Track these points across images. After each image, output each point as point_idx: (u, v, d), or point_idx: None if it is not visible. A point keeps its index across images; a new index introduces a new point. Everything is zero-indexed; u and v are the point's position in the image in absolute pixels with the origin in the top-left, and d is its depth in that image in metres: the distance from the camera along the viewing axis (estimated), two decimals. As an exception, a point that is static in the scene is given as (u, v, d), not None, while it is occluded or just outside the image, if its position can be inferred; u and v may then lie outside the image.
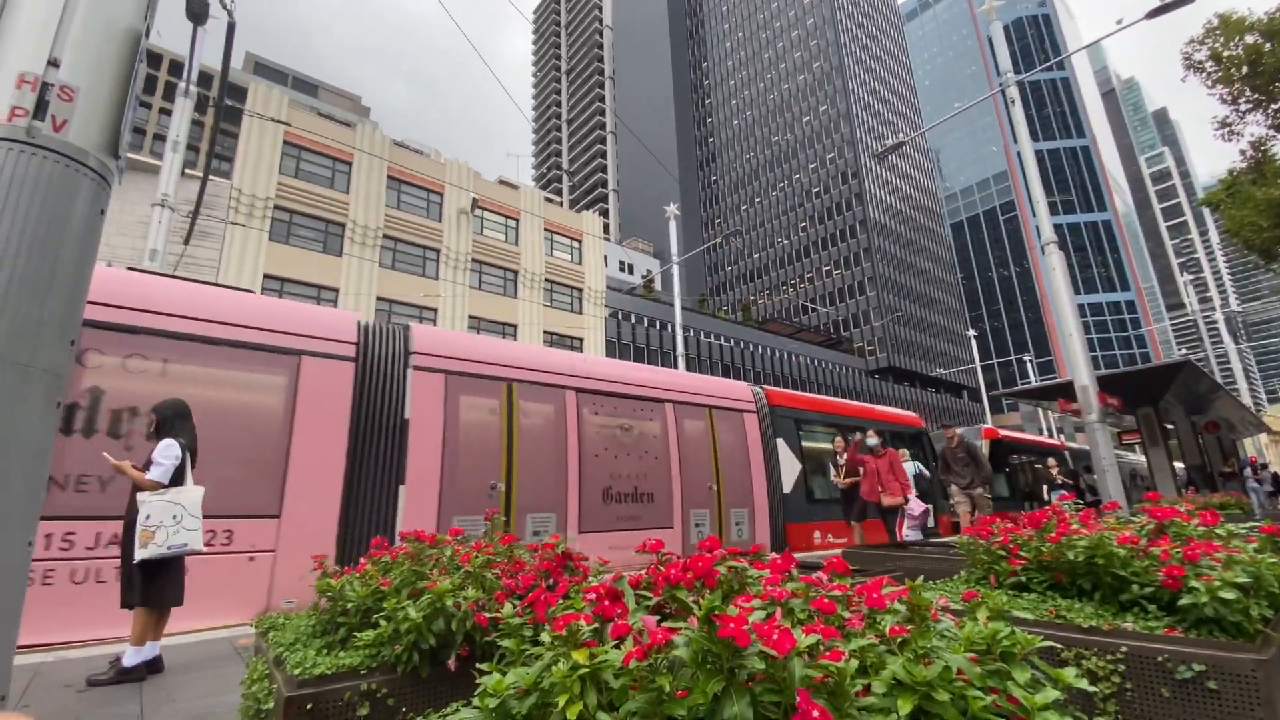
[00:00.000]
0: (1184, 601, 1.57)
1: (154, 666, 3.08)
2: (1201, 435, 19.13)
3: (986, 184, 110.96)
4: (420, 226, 26.64)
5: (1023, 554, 2.07)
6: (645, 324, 39.42)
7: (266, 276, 22.06)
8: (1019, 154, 13.60)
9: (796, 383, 47.50)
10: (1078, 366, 11.91)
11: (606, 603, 0.99)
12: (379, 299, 24.65)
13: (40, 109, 2.20)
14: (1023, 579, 2.05)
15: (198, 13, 11.00)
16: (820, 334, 56.77)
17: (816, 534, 10.84)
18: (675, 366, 19.65)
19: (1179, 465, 17.69)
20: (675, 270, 21.39)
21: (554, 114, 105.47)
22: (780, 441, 10.35)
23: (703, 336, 43.24)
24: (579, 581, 1.92)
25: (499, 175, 36.37)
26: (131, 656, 2.99)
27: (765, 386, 11.18)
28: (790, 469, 10.26)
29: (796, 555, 5.16)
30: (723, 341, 44.39)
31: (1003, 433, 17.49)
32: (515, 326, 28.59)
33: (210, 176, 19.94)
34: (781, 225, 73.70)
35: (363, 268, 24.45)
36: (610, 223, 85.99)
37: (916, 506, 6.97)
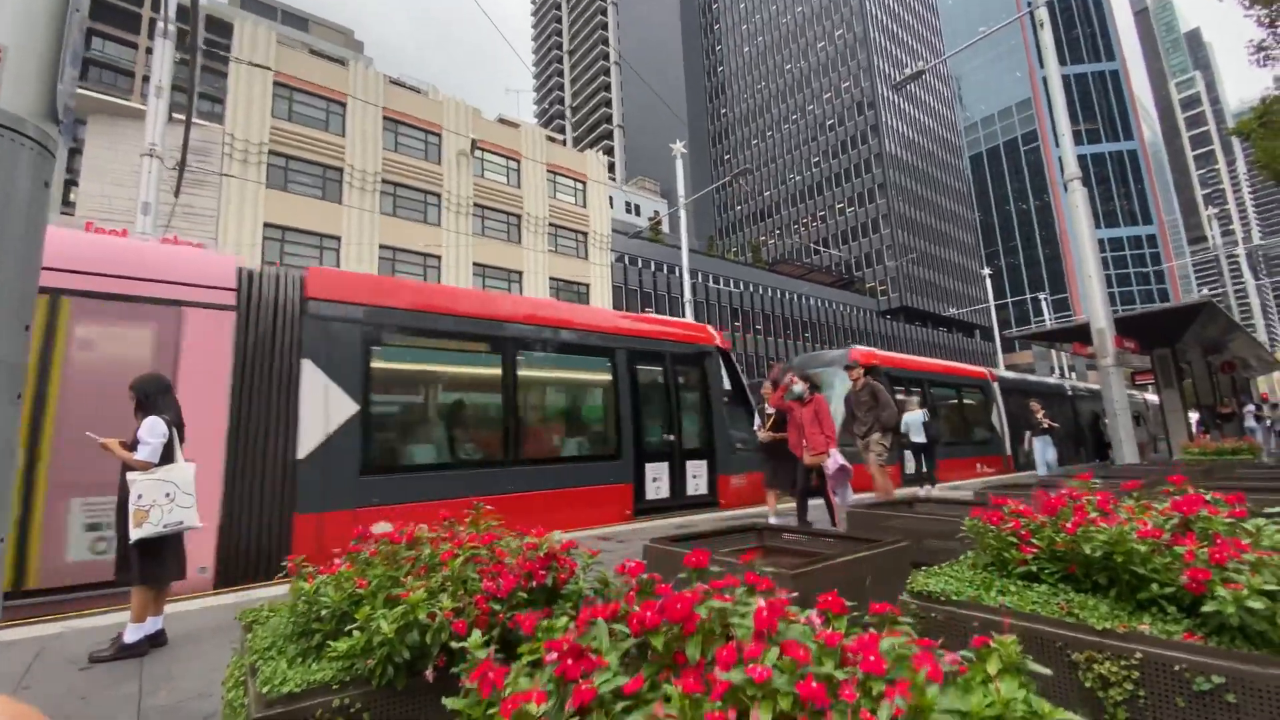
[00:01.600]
0: (1207, 608, 1.46)
1: (156, 640, 3.13)
2: (1216, 375, 18.81)
3: (1009, 112, 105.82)
4: (419, 170, 25.93)
5: (1035, 541, 1.96)
6: (653, 268, 38.85)
7: (267, 225, 21.73)
8: (1044, 80, 12.79)
9: (807, 325, 47.08)
10: (1095, 309, 11.59)
11: (570, 662, 0.89)
12: (382, 247, 24.31)
13: None
14: (1033, 568, 1.95)
15: (168, -57, 10.32)
16: (832, 274, 55.79)
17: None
18: (683, 312, 19.35)
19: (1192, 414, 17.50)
20: (682, 213, 20.79)
21: (554, 44, 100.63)
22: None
23: (711, 281, 42.62)
24: (565, 582, 1.83)
25: (499, 114, 35.03)
26: (132, 633, 3.02)
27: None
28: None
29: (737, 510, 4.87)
30: (731, 287, 43.77)
31: (887, 356, 14.35)
32: (520, 274, 28.23)
33: (202, 121, 19.32)
34: (793, 161, 71.18)
35: (363, 215, 23.99)
36: (616, 161, 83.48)
37: (832, 463, 6.14)
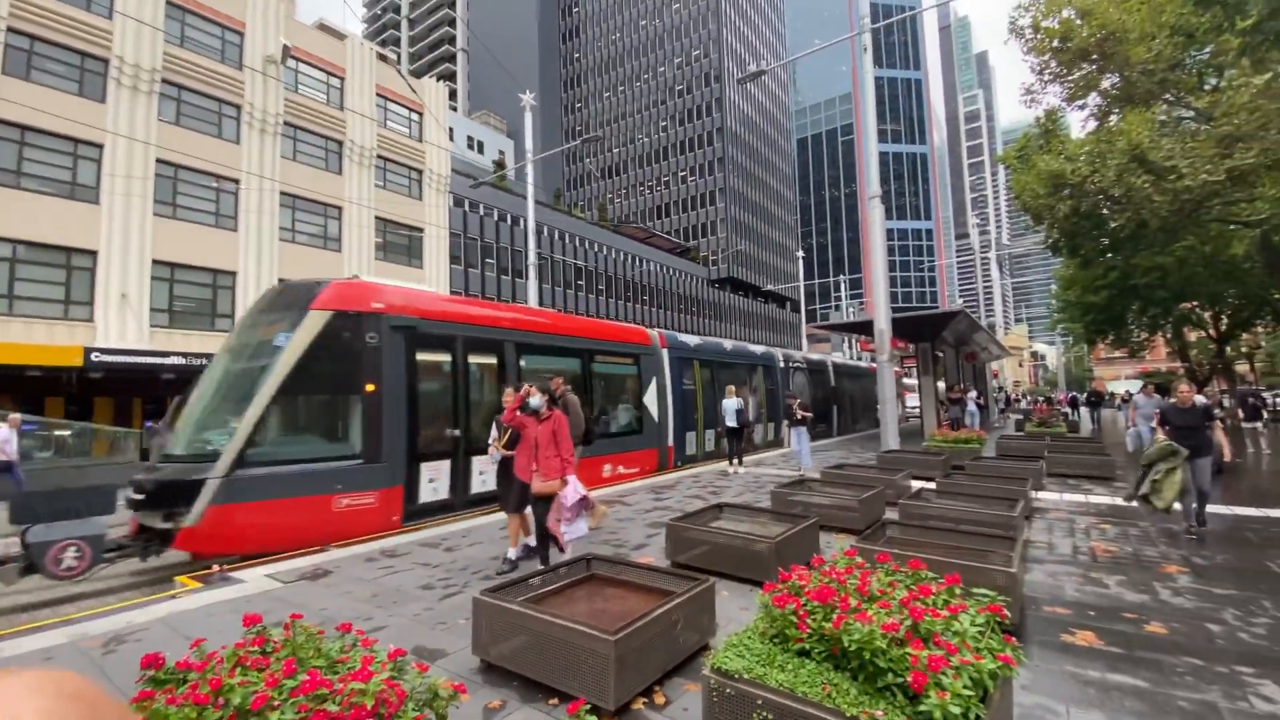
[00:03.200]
0: (923, 707, 1.96)
1: None
2: (962, 363, 23.40)
3: (833, 103, 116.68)
4: (213, 73, 21.63)
5: (809, 623, 2.41)
6: (496, 217, 37.08)
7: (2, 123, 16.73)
8: (862, 92, 14.37)
9: (646, 290, 48.71)
10: (879, 311, 13.65)
11: None
12: (160, 162, 20.10)
13: None
14: (806, 646, 2.40)
15: None
16: (671, 241, 57.98)
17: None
18: (524, 271, 18.85)
19: (941, 385, 21.47)
20: (529, 169, 20.06)
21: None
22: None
23: (556, 235, 41.96)
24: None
25: (319, 19, 30.18)
26: None
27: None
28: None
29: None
30: (576, 243, 43.52)
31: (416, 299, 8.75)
32: (339, 208, 25.26)
33: None
34: (642, 121, 71.59)
35: (134, 120, 19.54)
36: (458, 89, 76.98)
37: (571, 492, 5.28)
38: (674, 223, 67.73)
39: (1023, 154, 21.53)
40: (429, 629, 4.34)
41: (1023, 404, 42.65)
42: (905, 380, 29.21)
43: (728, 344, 17.08)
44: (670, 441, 13.27)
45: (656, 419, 12.87)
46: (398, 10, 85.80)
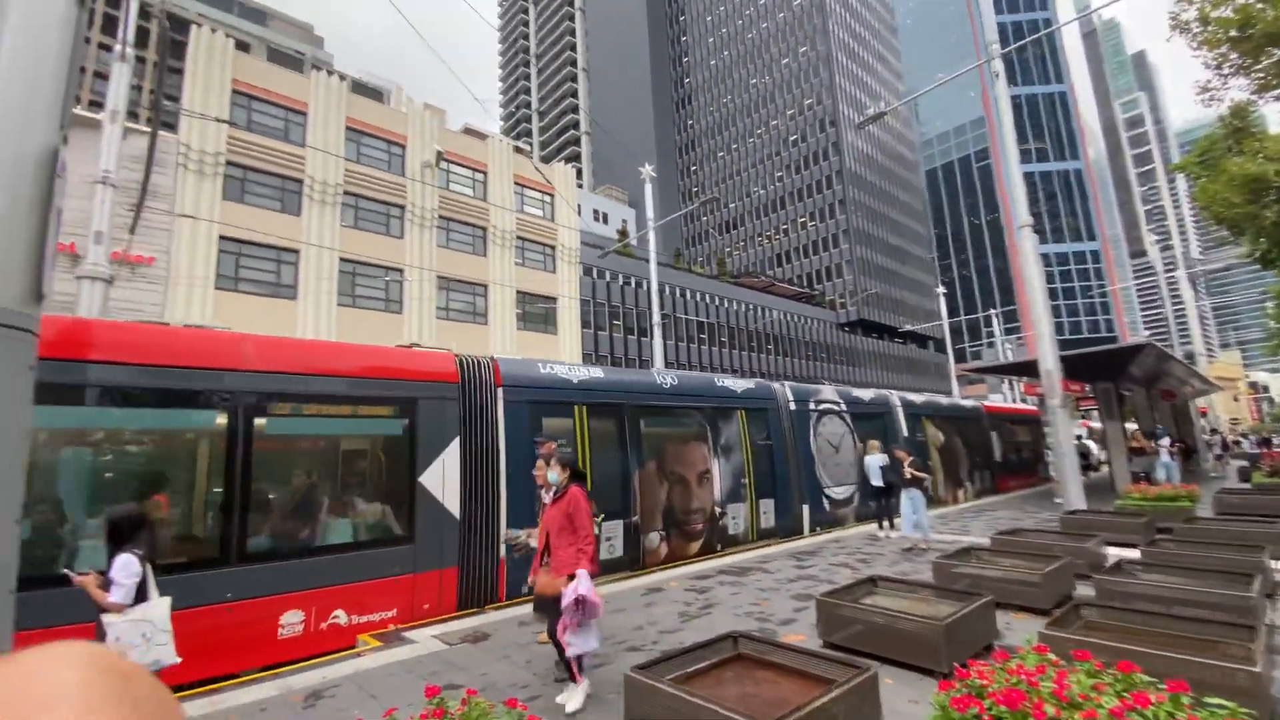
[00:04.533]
0: None
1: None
2: (1157, 404, 20.01)
3: (963, 129, 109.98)
4: (383, 182, 25.43)
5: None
6: (620, 281, 38.94)
7: (222, 239, 20.97)
8: (997, 111, 13.43)
9: (770, 338, 47.94)
10: (1044, 351, 12.21)
11: None
12: (343, 260, 23.74)
13: None
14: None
15: (124, -31, 9.92)
16: (793, 288, 56.93)
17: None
18: (649, 330, 19.41)
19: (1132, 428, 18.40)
20: (651, 236, 20.96)
21: (521, 49, 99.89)
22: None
23: (679, 293, 42.99)
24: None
25: (465, 123, 34.60)
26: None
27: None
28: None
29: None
30: (698, 299, 44.23)
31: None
32: (485, 286, 27.95)
33: (145, 129, 18.45)
34: (758, 174, 72.41)
35: (323, 227, 23.39)
36: (583, 167, 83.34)
37: (571, 591, 4.19)
38: (796, 269, 66.60)
39: (1206, 159, 18.59)
40: (580, 697, 4.40)
41: (1244, 446, 35.03)
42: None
43: (827, 389, 13.91)
44: (804, 503, 12.01)
45: (789, 479, 11.82)
46: (529, 106, 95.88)
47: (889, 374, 58.22)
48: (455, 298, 27.08)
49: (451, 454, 7.16)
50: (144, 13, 30.18)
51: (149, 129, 8.78)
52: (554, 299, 30.76)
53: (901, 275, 68.99)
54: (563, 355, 29.63)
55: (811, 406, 12.96)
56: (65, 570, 3.17)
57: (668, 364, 35.30)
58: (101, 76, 41.56)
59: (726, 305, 45.99)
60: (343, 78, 27.12)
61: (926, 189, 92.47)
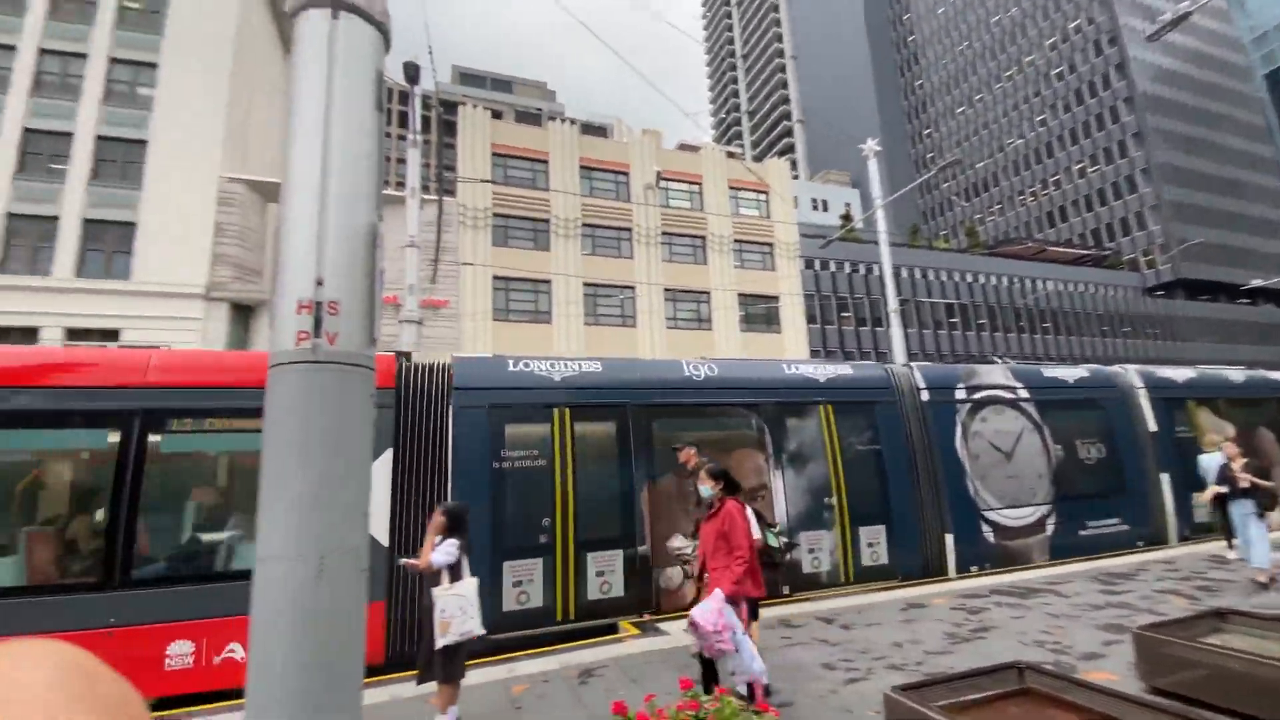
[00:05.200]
0: None
1: (455, 725, 3.79)
2: None
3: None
4: (612, 209, 27.84)
5: None
6: (849, 270, 36.61)
7: (495, 278, 25.09)
8: None
9: (1045, 315, 40.34)
10: None
11: None
12: (585, 284, 26.56)
13: (317, 327, 2.54)
14: None
15: (412, 77, 12.53)
16: (1074, 249, 47.06)
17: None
18: (884, 319, 17.65)
19: None
20: (880, 217, 19.29)
21: (727, 52, 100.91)
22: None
23: (918, 274, 38.81)
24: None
25: (679, 140, 36.14)
26: (440, 724, 3.70)
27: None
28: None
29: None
30: (943, 278, 39.34)
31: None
32: (708, 293, 28.67)
33: (431, 197, 23.06)
34: (1012, 123, 61.83)
35: (568, 257, 26.47)
36: (799, 158, 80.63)
37: (704, 618, 3.75)
38: (1075, 228, 55.07)
39: None
40: (834, 712, 4.18)
41: None
42: None
43: (993, 368, 10.29)
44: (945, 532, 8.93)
45: (915, 497, 8.93)
46: (738, 109, 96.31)
47: (1228, 346, 44.50)
48: (681, 307, 28.31)
49: (381, 471, 6.22)
50: (425, 104, 37.72)
51: (436, 198, 10.79)
52: (775, 298, 30.21)
53: (1243, 216, 52.46)
54: (787, 353, 28.90)
55: (959, 394, 9.47)
56: (401, 560, 4.09)
57: (910, 355, 31.95)
58: (398, 160, 53.13)
59: (981, 281, 40.05)
60: (573, 123, 30.48)
61: (1269, 96, 68.89)
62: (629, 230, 28.05)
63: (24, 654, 0.36)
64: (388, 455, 6.34)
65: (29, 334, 18.95)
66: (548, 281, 26.03)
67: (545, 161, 27.26)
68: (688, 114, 14.73)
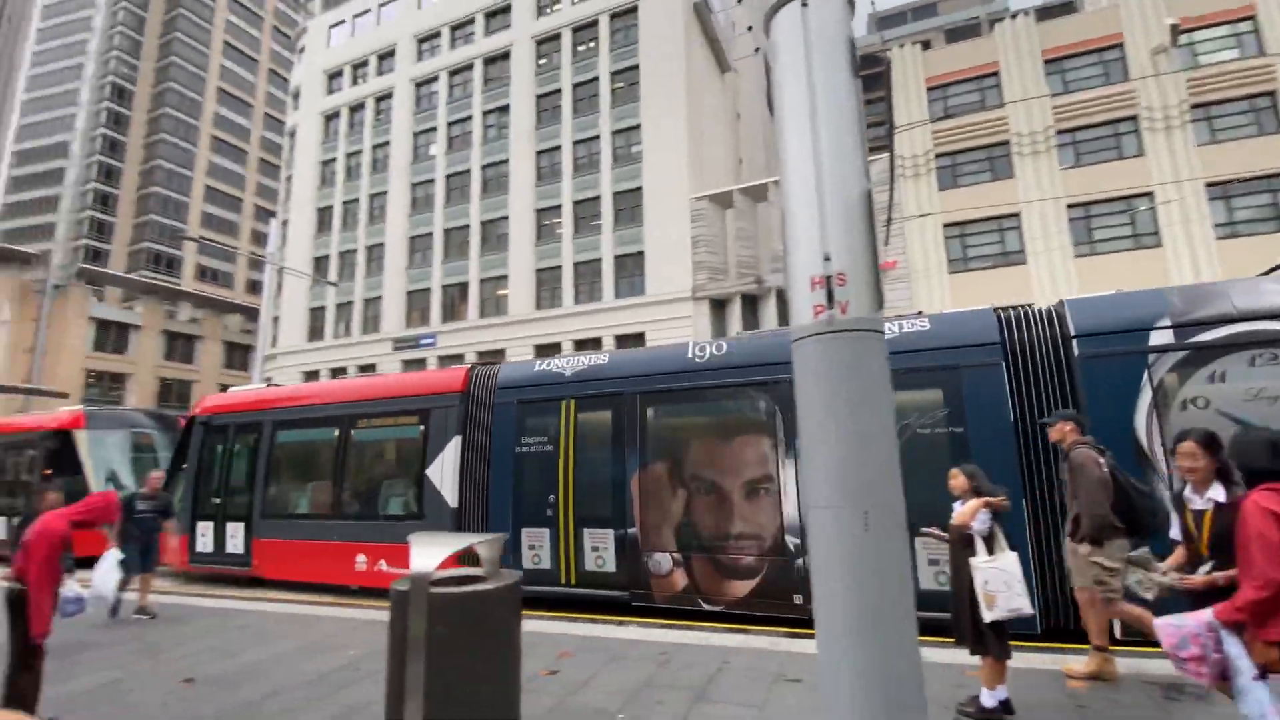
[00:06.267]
0: None
1: (1007, 708, 3.49)
2: None
3: None
4: (1099, 101, 21.37)
5: None
6: None
7: (945, 226, 22.64)
8: None
9: None
10: None
11: None
12: (1069, 206, 21.25)
13: (829, 299, 2.69)
14: None
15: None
16: None
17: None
18: None
19: None
20: None
21: None
22: None
23: None
24: None
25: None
26: (988, 699, 3.47)
27: None
28: None
29: None
30: None
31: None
32: (1301, 172, 18.82)
33: (893, 150, 22.11)
34: None
35: (1040, 178, 21.66)
36: None
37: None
38: None
39: None
40: None
41: None
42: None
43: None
44: None
45: None
46: None
47: None
48: (1242, 201, 19.56)
49: (451, 453, 8.48)
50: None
51: (884, 154, 10.55)
52: None
53: None
54: None
55: (1116, 344, 5.54)
56: (923, 529, 3.99)
57: None
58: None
59: None
60: (1026, 14, 24.73)
61: None
62: (1132, 119, 21.03)
63: None
64: (456, 441, 8.28)
65: (595, 343, 27.14)
66: (1015, 215, 21.89)
67: (995, 74, 23.00)
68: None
